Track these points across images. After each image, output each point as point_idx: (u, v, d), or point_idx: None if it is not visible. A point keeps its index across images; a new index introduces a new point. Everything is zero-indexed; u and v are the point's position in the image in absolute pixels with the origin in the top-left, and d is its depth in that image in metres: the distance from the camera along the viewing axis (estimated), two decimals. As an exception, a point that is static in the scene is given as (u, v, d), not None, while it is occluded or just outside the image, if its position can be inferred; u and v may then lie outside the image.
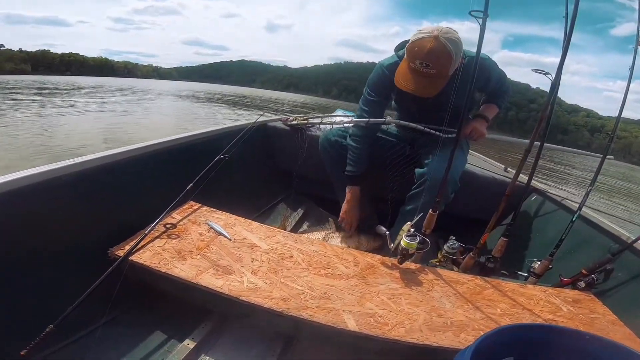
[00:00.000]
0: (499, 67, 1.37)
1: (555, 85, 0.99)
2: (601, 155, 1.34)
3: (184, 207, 1.13)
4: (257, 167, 1.75)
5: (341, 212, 1.46)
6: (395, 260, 1.04)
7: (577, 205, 1.30)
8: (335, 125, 1.57)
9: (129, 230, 0.98)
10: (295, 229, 1.60)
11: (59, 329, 0.69)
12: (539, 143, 1.16)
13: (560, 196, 1.54)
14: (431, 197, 1.21)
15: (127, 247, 0.91)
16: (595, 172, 1.35)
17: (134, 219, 1.01)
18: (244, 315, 0.87)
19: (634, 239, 1.12)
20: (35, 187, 0.82)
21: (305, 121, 1.75)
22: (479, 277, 1.08)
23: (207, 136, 1.40)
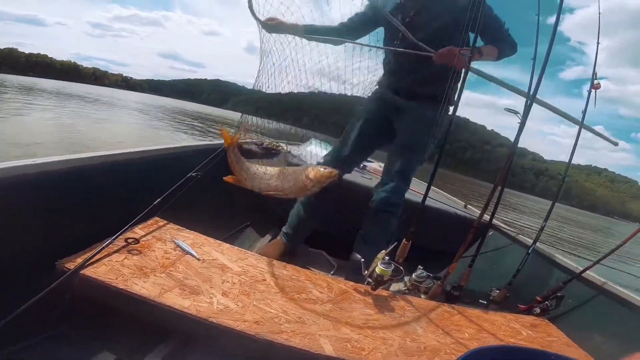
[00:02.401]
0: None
1: (522, 124, 1.11)
2: (550, 202, 1.53)
3: (149, 223, 1.05)
4: (226, 188, 1.70)
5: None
6: (367, 287, 1.04)
7: (531, 241, 1.43)
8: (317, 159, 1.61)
9: (84, 242, 0.88)
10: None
11: None
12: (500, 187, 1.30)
13: (515, 231, 1.68)
14: (381, 228, 1.37)
15: (80, 260, 0.81)
16: (547, 213, 1.51)
17: (91, 230, 0.92)
18: (212, 338, 0.79)
19: (581, 269, 1.25)
20: None
21: (280, 147, 1.76)
22: (445, 304, 1.11)
23: (179, 152, 1.35)
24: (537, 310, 1.18)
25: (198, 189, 1.18)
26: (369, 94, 1.59)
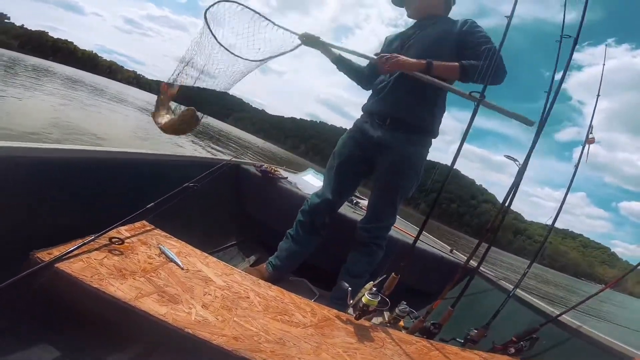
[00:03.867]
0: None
1: (520, 178, 1.15)
2: (529, 261, 1.59)
3: (136, 225, 1.01)
4: (219, 204, 1.69)
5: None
6: (349, 316, 1.02)
7: (511, 287, 1.46)
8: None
9: (66, 236, 0.84)
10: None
11: None
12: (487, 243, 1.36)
13: (497, 277, 1.71)
14: (366, 260, 1.42)
15: (56, 253, 0.77)
16: (526, 269, 1.55)
17: (76, 225, 0.88)
18: (185, 350, 0.75)
19: (557, 313, 1.28)
20: None
21: (278, 172, 1.79)
22: (424, 339, 1.09)
23: (176, 160, 1.34)
24: (512, 350, 1.19)
25: (191, 200, 1.17)
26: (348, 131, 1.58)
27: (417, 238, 1.29)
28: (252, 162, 1.92)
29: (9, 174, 0.78)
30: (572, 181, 1.45)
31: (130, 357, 0.75)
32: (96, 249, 0.85)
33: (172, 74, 1.19)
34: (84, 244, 0.82)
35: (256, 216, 1.77)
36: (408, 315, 1.23)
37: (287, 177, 1.85)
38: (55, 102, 10.04)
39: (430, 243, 2.01)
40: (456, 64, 1.27)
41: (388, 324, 1.20)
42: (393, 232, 1.62)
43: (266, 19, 1.40)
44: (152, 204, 1.01)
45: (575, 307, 1.39)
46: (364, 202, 2.18)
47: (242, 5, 1.33)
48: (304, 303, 1.01)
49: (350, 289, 1.07)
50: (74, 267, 0.76)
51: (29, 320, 0.74)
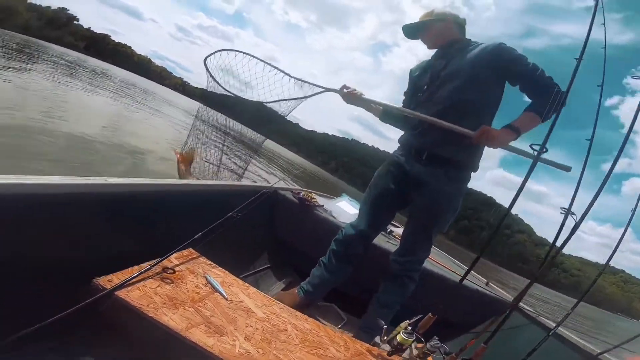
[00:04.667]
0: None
1: (575, 230, 1.13)
2: (560, 294, 1.53)
3: (184, 254, 1.09)
4: (255, 228, 1.76)
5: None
6: (381, 351, 1.04)
7: (553, 324, 1.41)
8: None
9: (120, 263, 0.92)
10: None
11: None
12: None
13: (536, 312, 1.66)
14: (399, 291, 1.41)
15: (116, 280, 0.85)
16: (571, 309, 1.49)
17: (129, 252, 0.96)
18: None
19: (598, 352, 1.22)
20: (36, 197, 0.76)
21: (314, 199, 1.84)
22: None
23: (220, 189, 1.42)
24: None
25: (231, 227, 1.24)
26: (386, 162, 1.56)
27: (463, 277, 1.28)
28: (290, 187, 1.98)
29: (68, 207, 0.84)
30: (630, 220, 1.40)
31: None
32: (150, 277, 0.92)
33: (185, 144, 1.30)
34: (141, 272, 0.90)
35: (290, 241, 1.83)
36: (439, 350, 1.22)
37: (323, 206, 1.89)
38: (109, 102, 11.06)
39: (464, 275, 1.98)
40: (534, 115, 1.27)
41: (418, 358, 1.20)
42: (429, 265, 1.61)
43: (282, 71, 1.48)
44: (200, 234, 1.08)
45: (620, 345, 1.33)
46: (398, 231, 2.16)
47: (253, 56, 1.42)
48: (338, 337, 1.04)
49: (385, 326, 1.09)
50: (132, 296, 0.83)
51: (84, 342, 0.82)
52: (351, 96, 1.55)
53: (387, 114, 1.62)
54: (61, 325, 0.70)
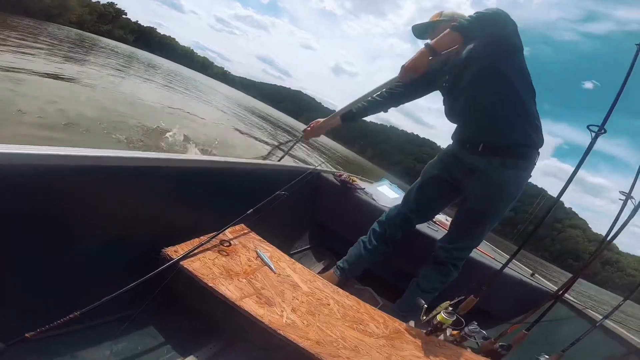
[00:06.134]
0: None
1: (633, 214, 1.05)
2: (612, 293, 1.44)
3: (236, 228, 1.19)
4: (298, 209, 1.83)
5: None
6: (419, 330, 1.08)
7: (599, 317, 1.35)
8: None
9: (179, 234, 1.01)
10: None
11: (81, 316, 0.67)
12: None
13: (582, 305, 1.59)
14: (441, 278, 1.41)
15: (181, 251, 0.95)
16: (622, 300, 1.41)
17: (187, 225, 1.06)
18: (274, 348, 0.89)
19: None
20: (99, 169, 0.78)
21: (356, 182, 1.86)
22: None
23: (268, 168, 1.48)
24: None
25: (277, 205, 1.31)
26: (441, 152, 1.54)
27: (505, 265, 1.26)
28: (332, 170, 2.02)
29: (138, 181, 0.90)
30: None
31: (222, 347, 0.92)
32: (208, 250, 1.03)
33: None
34: (201, 244, 1.00)
35: (331, 223, 1.89)
36: (477, 335, 1.24)
37: (364, 188, 1.91)
38: (164, 92, 11.88)
39: (510, 265, 1.92)
40: (450, 30, 1.16)
41: (455, 342, 1.23)
42: (474, 253, 1.58)
43: None
44: (251, 210, 1.16)
45: None
46: (440, 218, 2.14)
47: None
48: (378, 314, 1.10)
49: (425, 305, 1.12)
50: (194, 266, 0.94)
51: (149, 312, 0.89)
52: (313, 132, 1.66)
53: (350, 118, 1.62)
54: (131, 295, 0.77)
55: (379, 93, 1.51)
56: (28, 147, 0.65)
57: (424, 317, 1.07)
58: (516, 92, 1.24)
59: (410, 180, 1.83)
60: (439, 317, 1.02)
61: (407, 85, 1.48)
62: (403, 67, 1.24)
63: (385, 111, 1.61)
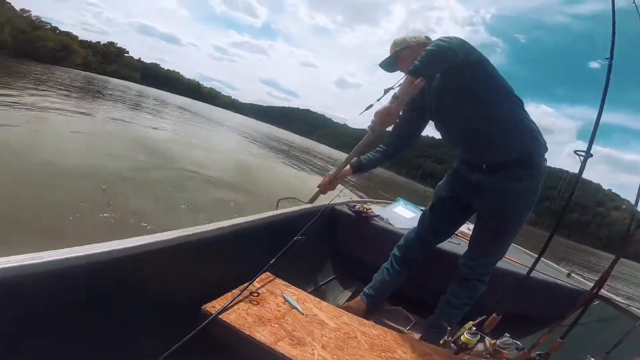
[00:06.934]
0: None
1: None
2: None
3: (262, 277, 1.31)
4: (318, 244, 1.94)
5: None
6: (448, 351, 1.12)
7: None
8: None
9: (214, 291, 1.14)
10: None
11: None
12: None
13: (625, 303, 1.54)
14: (468, 293, 1.42)
15: (218, 306, 1.07)
16: None
17: (220, 281, 1.18)
18: None
19: None
20: (154, 251, 0.96)
21: (369, 208, 1.95)
22: None
23: (284, 216, 1.61)
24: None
25: (298, 248, 1.42)
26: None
27: (531, 269, 1.28)
28: (345, 202, 2.12)
29: (175, 252, 1.05)
30: None
31: None
32: (240, 301, 1.14)
33: None
34: (235, 298, 1.12)
35: (352, 252, 1.98)
36: (510, 346, 1.25)
37: (379, 215, 2.00)
38: (176, 130, 12.70)
39: (541, 269, 1.88)
40: (407, 76, 1.22)
41: (489, 355, 1.24)
42: (500, 262, 1.59)
43: None
44: (274, 259, 1.28)
45: None
46: (462, 228, 2.14)
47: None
48: (405, 340, 1.15)
49: (449, 328, 1.16)
50: (230, 318, 1.05)
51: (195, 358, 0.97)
52: (328, 186, 1.78)
53: (365, 167, 1.73)
54: (178, 348, 0.87)
55: (386, 142, 1.68)
56: (98, 245, 0.84)
57: (450, 338, 1.12)
58: (499, 109, 1.30)
59: (433, 183, 1.90)
60: (462, 338, 1.06)
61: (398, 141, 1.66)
62: (371, 127, 1.35)
63: (397, 155, 1.73)
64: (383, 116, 1.29)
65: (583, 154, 1.11)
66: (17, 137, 4.94)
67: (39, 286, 0.71)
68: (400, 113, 1.32)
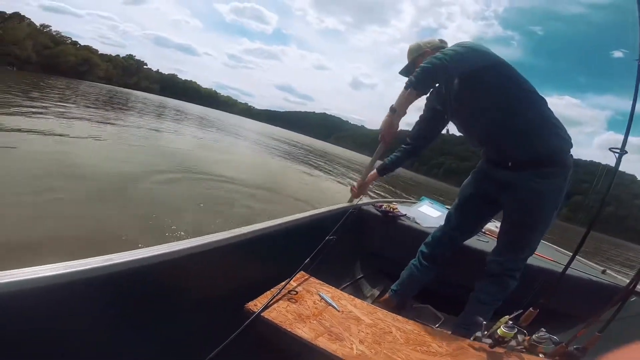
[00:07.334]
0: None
1: None
2: None
3: (298, 276, 1.37)
4: (348, 244, 1.99)
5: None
6: (483, 344, 1.14)
7: None
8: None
9: (255, 289, 1.20)
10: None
11: None
12: None
13: None
14: (499, 289, 1.42)
15: (259, 305, 1.14)
16: None
17: (260, 280, 1.26)
18: None
19: None
20: (198, 253, 1.03)
21: (395, 208, 1.99)
22: None
23: (316, 217, 1.67)
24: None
25: (329, 247, 1.48)
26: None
27: (567, 265, 1.28)
28: (371, 202, 2.17)
29: (219, 253, 1.13)
30: None
31: None
32: (280, 300, 1.21)
33: None
34: (274, 296, 1.19)
35: (379, 251, 2.02)
36: (547, 341, 1.25)
37: (405, 214, 2.03)
38: (199, 139, 13.16)
39: (576, 266, 1.84)
40: (403, 90, 1.31)
41: (524, 350, 1.25)
42: (532, 259, 1.58)
43: None
44: (308, 259, 1.35)
45: None
46: (490, 226, 2.15)
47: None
48: (439, 334, 1.19)
49: (485, 322, 1.18)
50: (272, 315, 1.12)
51: (239, 355, 1.01)
52: (359, 192, 1.88)
53: (388, 169, 1.82)
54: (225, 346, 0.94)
55: (406, 142, 1.75)
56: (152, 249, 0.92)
57: (485, 333, 1.14)
58: (522, 109, 1.31)
59: (456, 180, 1.93)
60: (499, 332, 1.08)
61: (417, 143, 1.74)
62: (380, 138, 1.47)
63: (418, 154, 1.80)
64: (386, 129, 1.41)
65: (618, 150, 1.10)
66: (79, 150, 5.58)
67: (92, 290, 0.78)
68: (422, 112, 1.39)
